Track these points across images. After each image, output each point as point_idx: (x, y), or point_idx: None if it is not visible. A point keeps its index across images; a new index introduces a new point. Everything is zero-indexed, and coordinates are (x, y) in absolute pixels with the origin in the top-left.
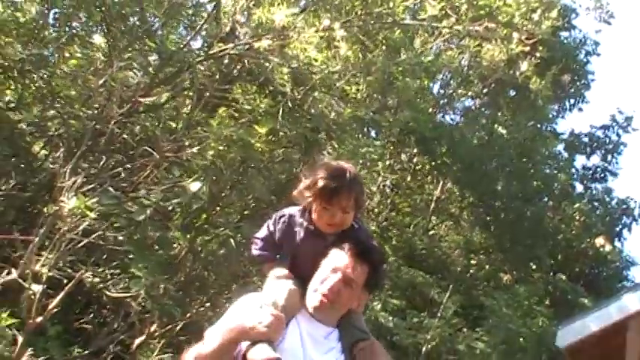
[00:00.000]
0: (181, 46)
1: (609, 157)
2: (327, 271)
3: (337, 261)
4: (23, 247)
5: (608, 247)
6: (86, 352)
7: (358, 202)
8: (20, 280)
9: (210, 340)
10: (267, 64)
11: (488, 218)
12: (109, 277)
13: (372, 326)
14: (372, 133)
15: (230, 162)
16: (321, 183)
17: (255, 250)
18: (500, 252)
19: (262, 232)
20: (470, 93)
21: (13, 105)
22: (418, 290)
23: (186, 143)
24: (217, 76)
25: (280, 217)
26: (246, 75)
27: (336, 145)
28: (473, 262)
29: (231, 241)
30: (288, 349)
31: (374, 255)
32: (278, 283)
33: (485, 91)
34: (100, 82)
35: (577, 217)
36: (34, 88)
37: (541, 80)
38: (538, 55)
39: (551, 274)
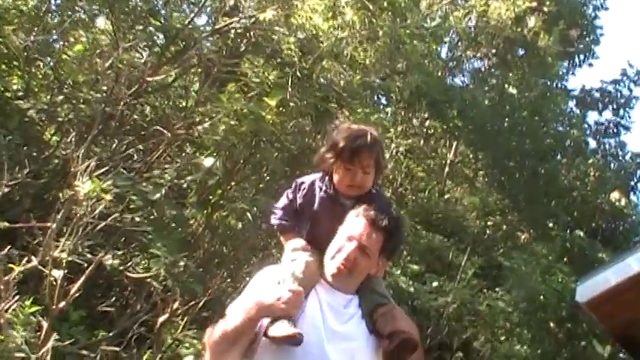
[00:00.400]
0: (186, 22)
1: (621, 111)
2: (343, 239)
3: (352, 229)
4: (41, 235)
5: (623, 202)
6: (110, 334)
7: (378, 163)
8: (41, 267)
9: (231, 317)
10: (273, 36)
11: (502, 178)
12: (128, 258)
13: (392, 292)
14: (383, 100)
15: (242, 136)
16: (342, 143)
17: (274, 220)
18: (517, 212)
19: (282, 202)
20: (478, 54)
21: (21, 94)
22: (436, 254)
23: (197, 120)
24: (224, 52)
25: (300, 184)
26: (253, 48)
27: (347, 113)
28: (489, 223)
29: (248, 214)
30: (309, 320)
31: (389, 221)
32: (296, 255)
33: (493, 51)
34: (107, 64)
35: (591, 173)
36: (40, 76)
37: (549, 37)
38: (545, 9)
39: (568, 230)
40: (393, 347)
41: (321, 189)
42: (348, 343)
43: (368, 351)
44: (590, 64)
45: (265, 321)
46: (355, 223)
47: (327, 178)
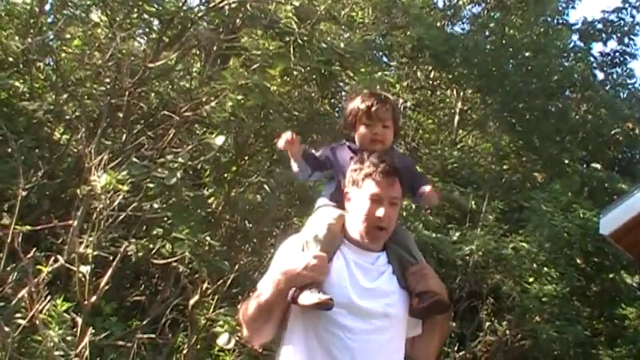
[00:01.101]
0: (180, 5)
1: (626, 39)
2: (367, 201)
3: (372, 188)
4: (64, 233)
5: (637, 130)
6: (144, 323)
7: (395, 118)
8: (68, 265)
9: (262, 292)
10: (268, 6)
11: (513, 121)
12: (152, 246)
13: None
14: (385, 58)
15: (250, 110)
16: (358, 104)
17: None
18: (531, 152)
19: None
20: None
21: (27, 96)
22: (456, 204)
23: (203, 100)
24: (221, 28)
25: (325, 146)
26: (250, 21)
27: (352, 74)
28: (505, 167)
29: (265, 187)
30: (335, 282)
31: (395, 163)
32: (318, 218)
33: None
34: (107, 57)
35: (602, 105)
36: (42, 77)
37: None
38: None
39: (585, 165)
40: (423, 307)
41: (345, 148)
42: (380, 299)
43: (401, 306)
44: None
45: (293, 290)
46: (372, 182)
47: (350, 142)
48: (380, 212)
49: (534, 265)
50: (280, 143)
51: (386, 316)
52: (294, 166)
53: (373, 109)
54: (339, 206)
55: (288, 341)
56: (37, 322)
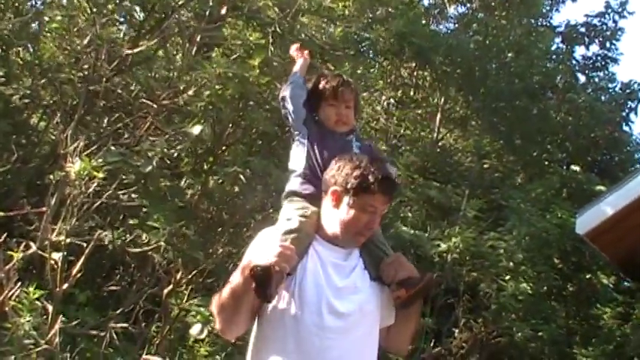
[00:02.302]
0: None
1: (608, 44)
2: (360, 210)
3: (370, 200)
4: (38, 220)
5: (617, 133)
6: (118, 312)
7: (357, 100)
8: (40, 252)
9: (232, 281)
10: None
11: (494, 120)
12: (127, 234)
13: (394, 242)
14: (369, 53)
15: (228, 100)
16: (323, 83)
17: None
18: (512, 152)
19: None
20: None
21: (3, 80)
22: (436, 201)
23: (182, 88)
24: (203, 17)
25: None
26: (232, 11)
27: (333, 68)
28: (486, 165)
29: (242, 177)
30: (311, 279)
31: (396, 179)
32: (291, 214)
33: None
34: (85, 42)
35: (583, 108)
36: (21, 61)
37: None
38: None
39: (565, 166)
40: (416, 290)
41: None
42: (354, 295)
43: (373, 299)
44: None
45: None
46: (371, 195)
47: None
48: (369, 224)
49: (511, 264)
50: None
51: (361, 312)
52: (295, 77)
53: (340, 89)
54: (315, 195)
55: (261, 337)
56: (7, 309)
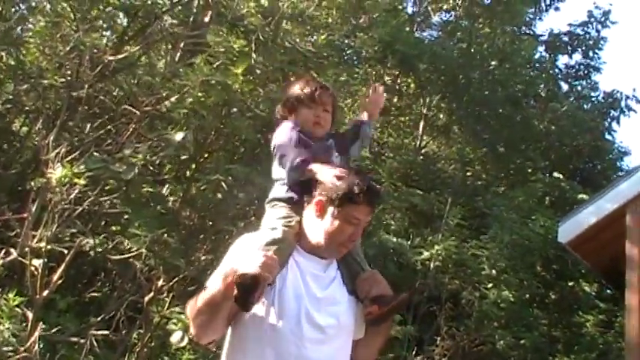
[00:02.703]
0: None
1: (591, 53)
2: (344, 222)
3: (354, 212)
4: (19, 226)
5: (599, 142)
6: (99, 319)
7: (335, 104)
8: (20, 258)
9: (209, 287)
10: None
11: (477, 128)
12: (109, 241)
13: (377, 250)
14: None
15: (211, 107)
16: (301, 88)
17: (296, 161)
18: (495, 160)
19: (290, 137)
20: (444, 6)
21: None
22: (418, 209)
23: (165, 95)
24: (187, 24)
25: (294, 127)
26: (216, 17)
27: (316, 75)
28: (469, 173)
29: (224, 185)
30: (291, 291)
31: (379, 190)
32: (275, 224)
33: (459, 2)
34: (68, 48)
35: (566, 116)
36: (4, 66)
37: None
38: None
39: (547, 174)
40: (388, 309)
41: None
42: (332, 306)
43: (350, 312)
44: (557, 8)
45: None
46: (355, 206)
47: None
48: (353, 236)
49: (494, 272)
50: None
51: (338, 324)
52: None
53: (317, 92)
54: (299, 202)
55: (236, 343)
56: None
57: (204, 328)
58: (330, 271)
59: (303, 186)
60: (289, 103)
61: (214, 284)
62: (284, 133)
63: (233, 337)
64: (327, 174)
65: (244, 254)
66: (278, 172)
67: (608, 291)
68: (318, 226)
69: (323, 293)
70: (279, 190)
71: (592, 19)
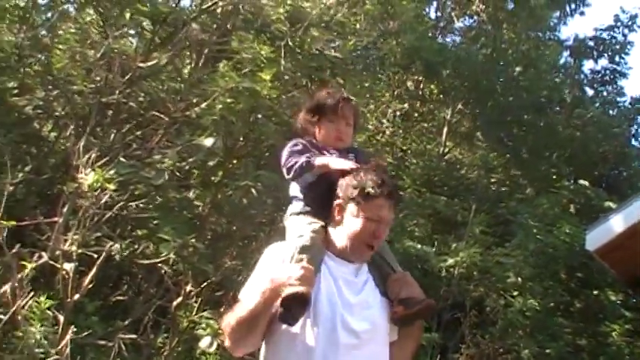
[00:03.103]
0: (173, 5)
1: (617, 58)
2: (365, 220)
3: (375, 209)
4: (49, 230)
5: (625, 148)
6: (126, 323)
7: (357, 117)
8: (51, 262)
9: (246, 302)
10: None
11: (501, 134)
12: (137, 246)
13: (401, 257)
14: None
15: (239, 113)
16: (323, 100)
17: (301, 159)
18: (519, 166)
19: (295, 147)
20: (468, 12)
21: (16, 91)
22: (442, 216)
23: (193, 101)
24: (214, 31)
25: (297, 140)
26: (243, 24)
27: (342, 81)
28: (493, 180)
29: (252, 190)
30: (324, 297)
31: (396, 185)
32: (302, 231)
33: (482, 7)
34: (98, 55)
35: (591, 122)
36: (33, 72)
37: None
38: None
39: (572, 181)
40: (412, 312)
41: (313, 145)
42: (367, 310)
43: (383, 314)
44: (582, 13)
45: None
46: (374, 203)
47: (313, 139)
48: (376, 233)
49: (519, 279)
50: None
51: (374, 328)
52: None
53: (340, 105)
54: (316, 210)
55: (273, 354)
56: (19, 317)
57: (241, 342)
58: (362, 275)
59: (321, 199)
60: (312, 113)
61: (250, 298)
62: (287, 148)
63: (267, 347)
64: (337, 162)
65: (278, 266)
66: (293, 189)
67: (635, 300)
68: (341, 230)
69: (356, 298)
70: (296, 206)
71: (618, 24)
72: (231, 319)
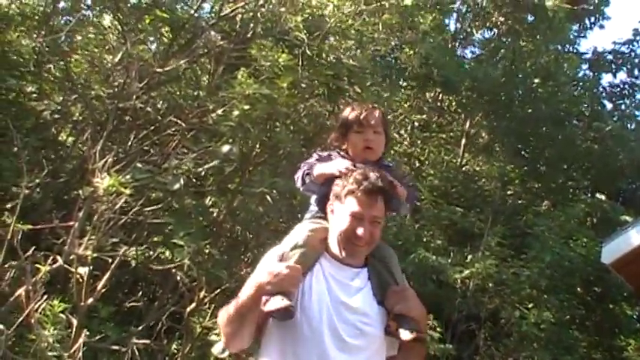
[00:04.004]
0: (192, 11)
1: (636, 71)
2: (348, 217)
3: (354, 205)
4: (65, 234)
5: None
6: (139, 328)
7: (385, 125)
8: (66, 266)
9: (237, 299)
10: (280, 17)
11: (519, 147)
12: (152, 251)
13: (416, 268)
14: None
15: (256, 120)
16: (348, 114)
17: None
18: (536, 178)
19: (305, 162)
20: (487, 24)
21: (35, 95)
22: (458, 227)
23: (210, 108)
24: (232, 38)
25: (323, 153)
26: (261, 31)
27: (359, 90)
28: (510, 192)
29: (268, 198)
30: (315, 297)
31: (380, 181)
32: (299, 229)
33: (502, 19)
34: (116, 60)
35: (609, 135)
36: (52, 77)
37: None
38: None
39: (589, 194)
40: (398, 337)
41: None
42: (356, 316)
43: (378, 323)
44: (601, 26)
45: (264, 299)
46: (354, 199)
47: (343, 152)
48: (359, 230)
49: (534, 292)
50: None
51: (361, 334)
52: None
53: (362, 115)
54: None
55: (265, 352)
56: (33, 321)
57: (231, 336)
58: (358, 280)
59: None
60: (339, 130)
61: (242, 294)
62: (301, 165)
63: (261, 343)
64: (332, 165)
65: (268, 265)
66: (312, 204)
67: None
68: (332, 228)
69: (347, 300)
70: (311, 211)
71: (638, 37)
72: (224, 314)
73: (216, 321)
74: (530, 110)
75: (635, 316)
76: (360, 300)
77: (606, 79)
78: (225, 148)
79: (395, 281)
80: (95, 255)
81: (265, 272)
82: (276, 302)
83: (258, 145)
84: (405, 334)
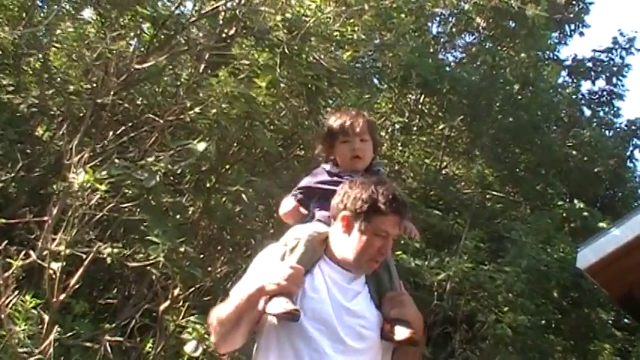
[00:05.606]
0: (173, 8)
1: (614, 79)
2: (373, 235)
3: (382, 224)
4: (39, 229)
5: (620, 169)
6: (113, 325)
7: (372, 131)
8: (39, 261)
9: (233, 297)
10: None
11: (498, 151)
12: (127, 248)
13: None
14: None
15: (234, 119)
16: (332, 122)
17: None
18: (514, 183)
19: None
20: (469, 28)
21: (12, 89)
22: (436, 229)
23: (188, 105)
24: (213, 36)
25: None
26: (242, 30)
27: (339, 91)
28: (488, 196)
29: (244, 197)
30: (315, 298)
31: (406, 201)
32: (300, 229)
33: (484, 24)
34: (95, 55)
35: (587, 142)
36: (30, 71)
37: (537, 5)
38: None
39: (567, 200)
40: (394, 339)
41: (327, 174)
42: (355, 319)
43: (376, 328)
44: (581, 34)
45: (264, 300)
46: (384, 218)
47: (331, 163)
48: (383, 249)
49: (510, 296)
50: None
51: (360, 337)
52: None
53: (347, 123)
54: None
55: (263, 353)
56: (3, 316)
57: (224, 336)
58: (356, 284)
59: (306, 197)
60: (326, 142)
61: (237, 295)
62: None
63: (257, 345)
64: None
65: (269, 265)
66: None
67: (626, 320)
68: (345, 242)
69: (347, 303)
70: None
71: (616, 46)
72: (217, 313)
73: (190, 319)
74: (509, 116)
75: (609, 321)
76: (359, 304)
77: (585, 86)
78: (201, 145)
79: (392, 285)
80: (69, 251)
81: (268, 272)
82: (281, 305)
83: (235, 144)
84: (401, 333)
